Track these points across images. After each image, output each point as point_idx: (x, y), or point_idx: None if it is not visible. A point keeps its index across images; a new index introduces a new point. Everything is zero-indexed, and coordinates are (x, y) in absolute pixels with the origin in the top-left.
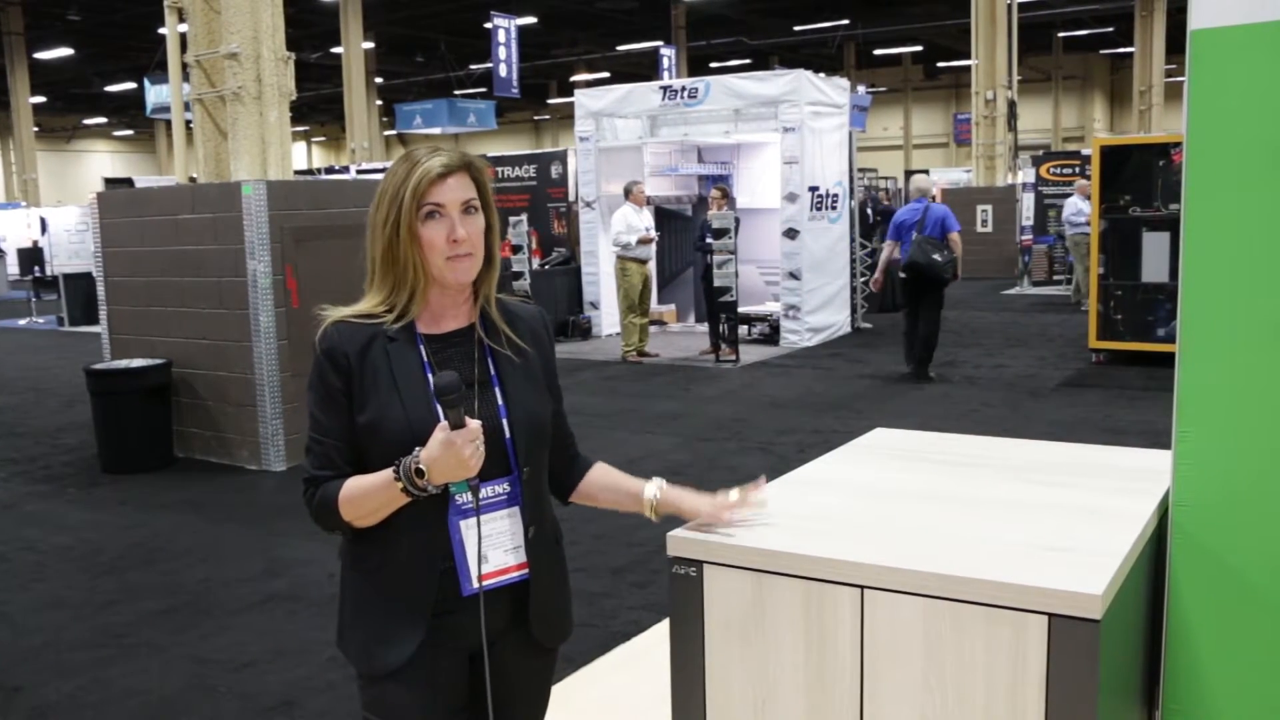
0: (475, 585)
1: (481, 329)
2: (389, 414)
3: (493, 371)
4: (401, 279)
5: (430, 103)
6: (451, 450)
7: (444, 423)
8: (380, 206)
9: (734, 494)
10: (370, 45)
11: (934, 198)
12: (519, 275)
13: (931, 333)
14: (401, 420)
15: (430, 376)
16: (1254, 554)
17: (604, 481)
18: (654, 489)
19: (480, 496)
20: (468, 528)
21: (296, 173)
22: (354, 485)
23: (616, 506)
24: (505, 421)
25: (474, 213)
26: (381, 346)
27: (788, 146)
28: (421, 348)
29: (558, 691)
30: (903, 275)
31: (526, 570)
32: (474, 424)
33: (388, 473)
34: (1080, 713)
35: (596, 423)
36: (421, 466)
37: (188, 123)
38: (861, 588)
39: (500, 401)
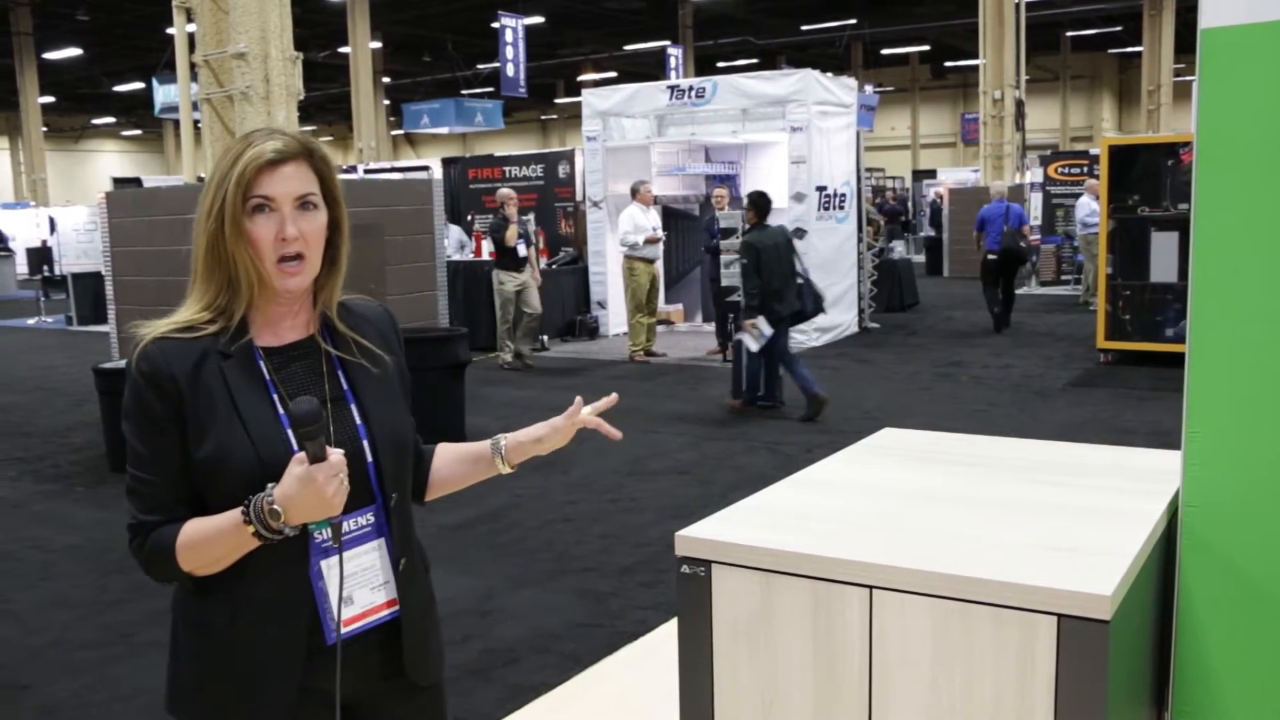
0: (335, 633)
1: (327, 339)
2: (233, 446)
3: (345, 386)
4: (229, 283)
5: (438, 102)
6: (312, 488)
7: (300, 454)
8: (205, 195)
9: (583, 408)
10: (377, 45)
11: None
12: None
13: (1011, 295)
14: (248, 453)
15: (275, 398)
16: (1264, 555)
17: (449, 461)
18: (495, 441)
19: (343, 532)
20: (329, 567)
21: None
22: (194, 530)
23: (472, 480)
24: (366, 443)
25: (311, 209)
26: (215, 366)
27: (795, 146)
28: (261, 365)
29: (564, 690)
30: (992, 257)
31: (397, 608)
32: (336, 456)
33: (235, 514)
34: (1089, 714)
35: None
36: (276, 507)
37: (196, 122)
38: (870, 588)
39: (359, 420)
